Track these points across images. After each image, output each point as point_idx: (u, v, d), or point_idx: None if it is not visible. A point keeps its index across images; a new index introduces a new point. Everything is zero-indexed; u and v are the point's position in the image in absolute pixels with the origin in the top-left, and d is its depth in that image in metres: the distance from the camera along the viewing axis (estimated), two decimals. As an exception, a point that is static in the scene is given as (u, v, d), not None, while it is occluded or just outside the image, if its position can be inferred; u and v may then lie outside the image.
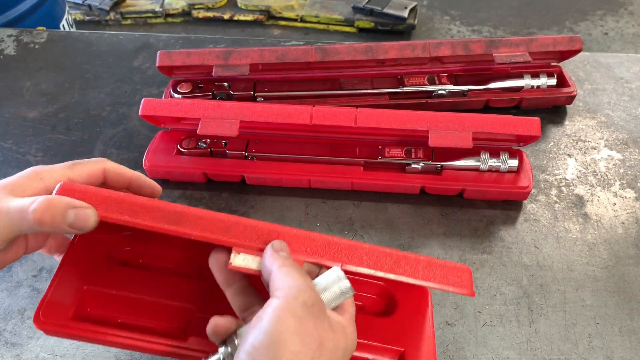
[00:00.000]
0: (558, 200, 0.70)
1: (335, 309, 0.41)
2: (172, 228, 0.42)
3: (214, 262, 0.44)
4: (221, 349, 0.40)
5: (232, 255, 0.42)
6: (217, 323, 0.40)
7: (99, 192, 0.42)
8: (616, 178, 0.72)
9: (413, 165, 0.68)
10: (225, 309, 0.47)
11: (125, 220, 0.41)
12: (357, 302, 0.51)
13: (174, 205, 0.43)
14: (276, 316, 0.36)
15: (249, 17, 2.44)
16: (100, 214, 0.41)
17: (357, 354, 0.48)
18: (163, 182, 0.71)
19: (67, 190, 0.41)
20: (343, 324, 0.40)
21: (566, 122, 0.79)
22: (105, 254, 0.49)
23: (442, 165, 0.68)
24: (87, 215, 0.40)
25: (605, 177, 0.72)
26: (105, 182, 0.47)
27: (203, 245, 0.50)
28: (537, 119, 0.64)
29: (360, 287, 0.52)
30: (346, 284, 0.40)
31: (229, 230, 0.43)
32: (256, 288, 0.44)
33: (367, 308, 0.52)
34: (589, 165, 0.74)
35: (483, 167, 0.68)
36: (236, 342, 0.40)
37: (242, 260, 0.42)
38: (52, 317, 0.44)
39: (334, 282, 0.40)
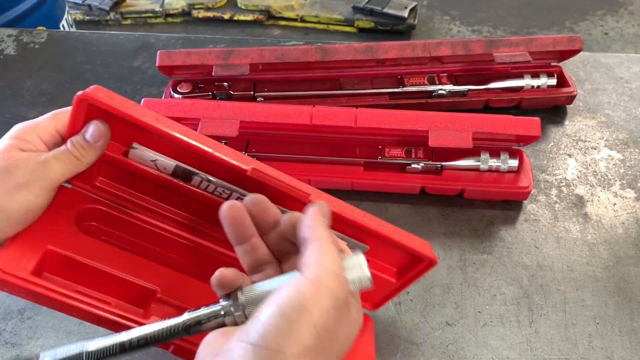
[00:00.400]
0: (558, 200, 0.70)
1: None
2: (186, 138, 0.41)
3: (227, 215, 0.40)
4: (222, 301, 0.38)
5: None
6: (224, 274, 0.38)
7: (121, 98, 0.42)
8: (616, 178, 0.72)
9: (413, 165, 0.68)
10: (193, 295, 0.46)
11: (145, 122, 0.41)
12: None
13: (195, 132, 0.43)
14: (300, 302, 0.33)
15: (249, 17, 2.44)
16: (114, 104, 0.41)
17: None
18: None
19: (85, 99, 0.40)
20: (358, 308, 0.37)
21: (566, 122, 0.79)
22: (73, 220, 0.46)
23: (442, 165, 0.68)
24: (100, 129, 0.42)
25: (605, 177, 0.72)
26: None
27: (181, 235, 0.50)
28: (537, 119, 0.64)
29: None
30: (367, 274, 0.38)
31: (250, 163, 0.43)
32: (268, 247, 0.42)
33: None
34: (589, 165, 0.74)
35: (483, 167, 0.67)
36: (241, 298, 0.37)
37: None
38: (9, 269, 0.40)
39: (355, 267, 0.37)
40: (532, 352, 0.56)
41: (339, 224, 0.47)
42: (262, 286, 0.38)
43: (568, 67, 0.86)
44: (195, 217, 0.49)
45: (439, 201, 0.69)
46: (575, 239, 0.65)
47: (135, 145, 0.45)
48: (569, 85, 0.79)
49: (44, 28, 1.27)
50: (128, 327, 0.42)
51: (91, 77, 0.88)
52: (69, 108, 0.43)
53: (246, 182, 0.45)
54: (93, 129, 0.42)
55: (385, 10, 2.29)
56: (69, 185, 0.47)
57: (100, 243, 0.47)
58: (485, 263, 0.63)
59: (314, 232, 0.37)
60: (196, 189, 0.47)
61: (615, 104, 0.82)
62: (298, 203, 0.46)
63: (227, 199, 0.47)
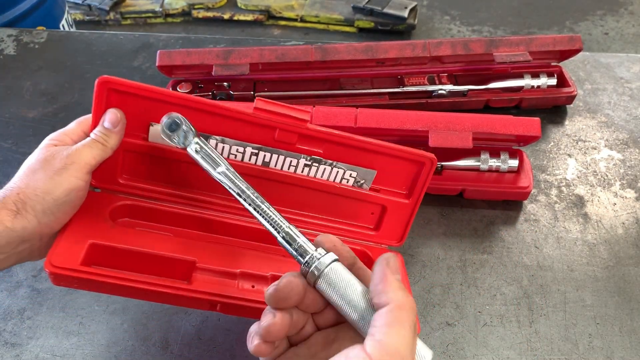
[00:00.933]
0: (558, 201, 0.70)
1: None
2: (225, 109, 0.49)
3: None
4: (311, 256, 0.39)
5: None
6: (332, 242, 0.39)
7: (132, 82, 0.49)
8: (616, 178, 0.72)
9: (413, 165, 0.68)
10: (229, 259, 0.51)
11: (162, 89, 0.49)
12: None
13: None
14: None
15: (249, 17, 2.44)
16: (133, 83, 0.49)
17: None
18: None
19: (107, 81, 0.48)
20: None
21: (566, 122, 0.79)
22: (108, 217, 0.51)
23: (442, 165, 0.68)
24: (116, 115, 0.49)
25: (605, 177, 0.72)
26: None
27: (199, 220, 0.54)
28: (537, 119, 0.64)
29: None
30: None
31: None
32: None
33: None
34: (589, 165, 0.74)
35: (483, 167, 0.67)
36: (324, 269, 0.38)
37: None
38: (61, 264, 0.45)
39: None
40: (532, 352, 0.56)
41: (345, 150, 0.52)
42: (344, 281, 0.38)
43: (568, 67, 0.86)
44: (214, 192, 0.54)
45: (439, 201, 0.69)
46: (575, 239, 0.65)
47: (153, 123, 0.50)
48: (569, 85, 0.79)
49: (44, 28, 1.27)
50: (176, 296, 0.47)
51: (91, 77, 0.88)
52: (90, 115, 0.50)
53: (254, 133, 0.50)
54: (109, 116, 0.49)
55: (385, 10, 2.29)
56: (98, 190, 0.52)
57: (136, 231, 0.52)
58: (485, 263, 0.63)
59: (389, 295, 0.34)
60: None
61: (615, 104, 0.82)
62: (306, 139, 0.51)
63: (242, 159, 0.52)
